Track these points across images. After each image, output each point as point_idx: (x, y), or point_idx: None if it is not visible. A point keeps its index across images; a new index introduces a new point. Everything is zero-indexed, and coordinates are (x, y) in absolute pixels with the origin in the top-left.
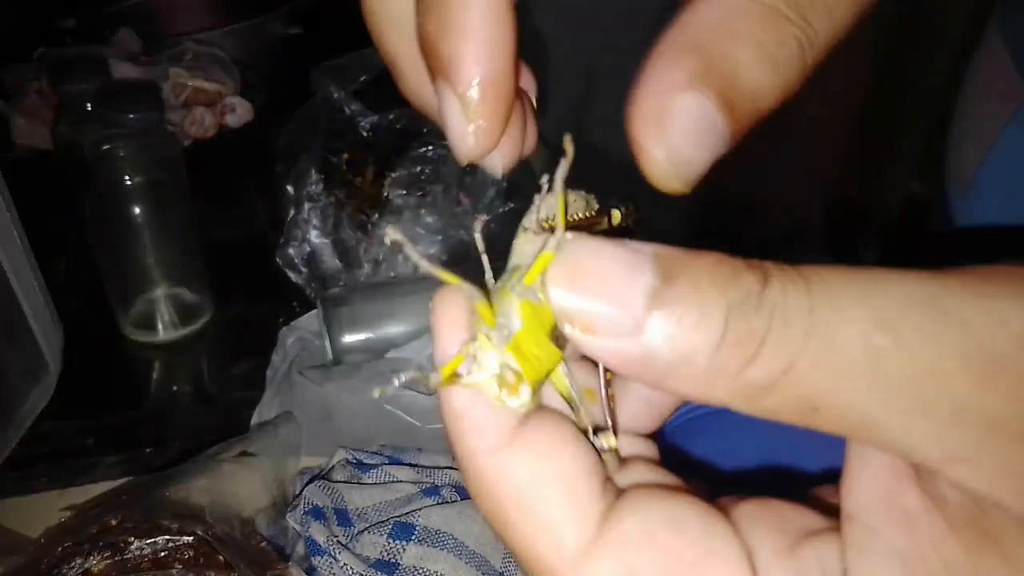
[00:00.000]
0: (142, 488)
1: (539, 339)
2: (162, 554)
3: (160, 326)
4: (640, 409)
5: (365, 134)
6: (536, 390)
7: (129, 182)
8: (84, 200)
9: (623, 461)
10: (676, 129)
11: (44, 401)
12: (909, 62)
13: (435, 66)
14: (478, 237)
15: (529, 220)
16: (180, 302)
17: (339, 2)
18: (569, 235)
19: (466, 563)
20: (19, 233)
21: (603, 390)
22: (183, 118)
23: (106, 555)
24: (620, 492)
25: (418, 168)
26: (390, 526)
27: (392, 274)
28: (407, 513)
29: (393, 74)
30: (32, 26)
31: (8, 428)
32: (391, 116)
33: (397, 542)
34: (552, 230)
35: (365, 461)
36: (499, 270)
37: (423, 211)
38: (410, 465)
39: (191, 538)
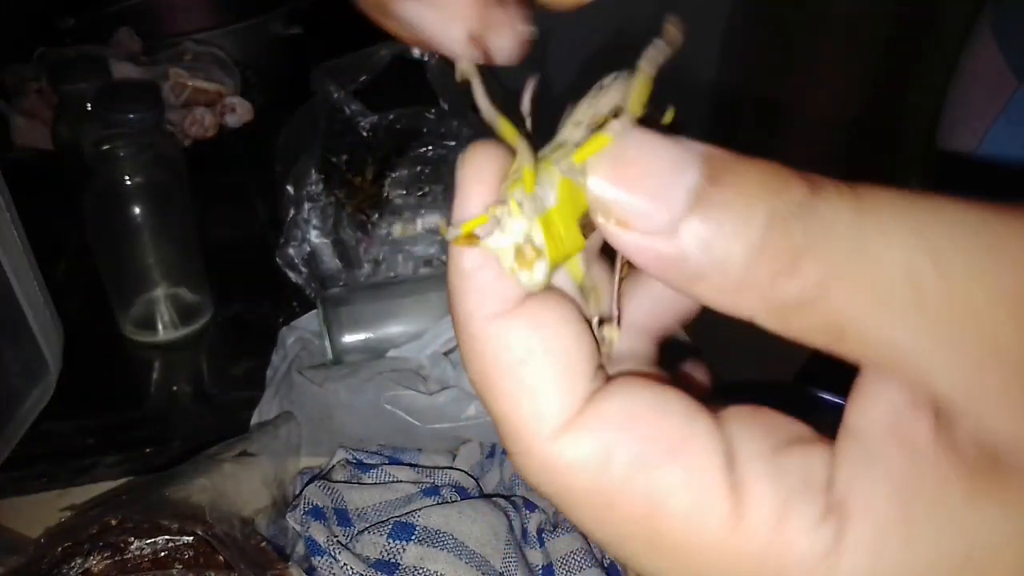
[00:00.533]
0: (142, 488)
1: (569, 221)
2: (162, 554)
3: (160, 326)
4: (650, 310)
5: (365, 134)
6: (551, 271)
7: (129, 182)
8: (84, 200)
9: (621, 358)
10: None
11: (44, 401)
12: (909, 62)
13: None
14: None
15: (592, 104)
16: (180, 302)
17: (339, 2)
18: (628, 124)
19: (466, 563)
20: (19, 233)
21: (616, 284)
22: (183, 118)
23: (106, 555)
24: (610, 381)
25: (418, 168)
26: (390, 526)
27: (392, 274)
28: (407, 513)
29: None
30: (32, 26)
31: (8, 428)
32: (391, 116)
33: (397, 542)
34: (616, 114)
35: (365, 461)
36: None
37: (423, 211)
38: (410, 465)
39: (191, 538)
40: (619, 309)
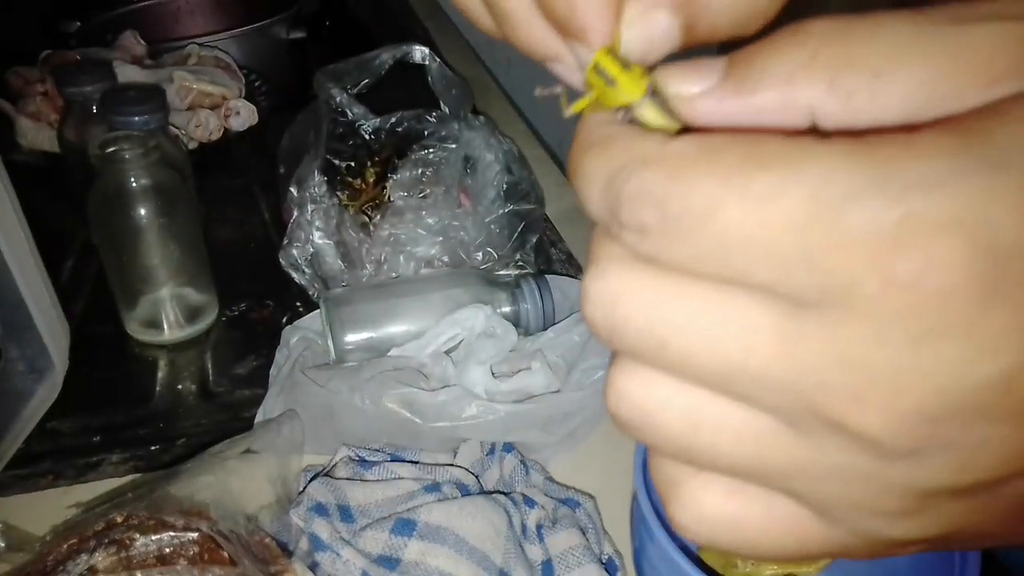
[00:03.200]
0: (147, 485)
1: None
2: (167, 550)
3: (165, 326)
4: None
5: (367, 137)
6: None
7: (134, 184)
8: (89, 201)
9: None
10: (643, 30)
11: (50, 400)
12: None
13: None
14: None
15: None
16: (185, 302)
17: (342, 7)
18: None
19: (467, 559)
20: (25, 234)
21: None
22: (188, 121)
23: (111, 552)
24: None
25: (419, 170)
26: (392, 522)
27: (394, 274)
28: (409, 509)
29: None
30: (37, 29)
31: (14, 426)
32: (393, 119)
33: (399, 538)
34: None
35: (367, 458)
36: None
37: (424, 212)
38: (412, 462)
39: (196, 534)
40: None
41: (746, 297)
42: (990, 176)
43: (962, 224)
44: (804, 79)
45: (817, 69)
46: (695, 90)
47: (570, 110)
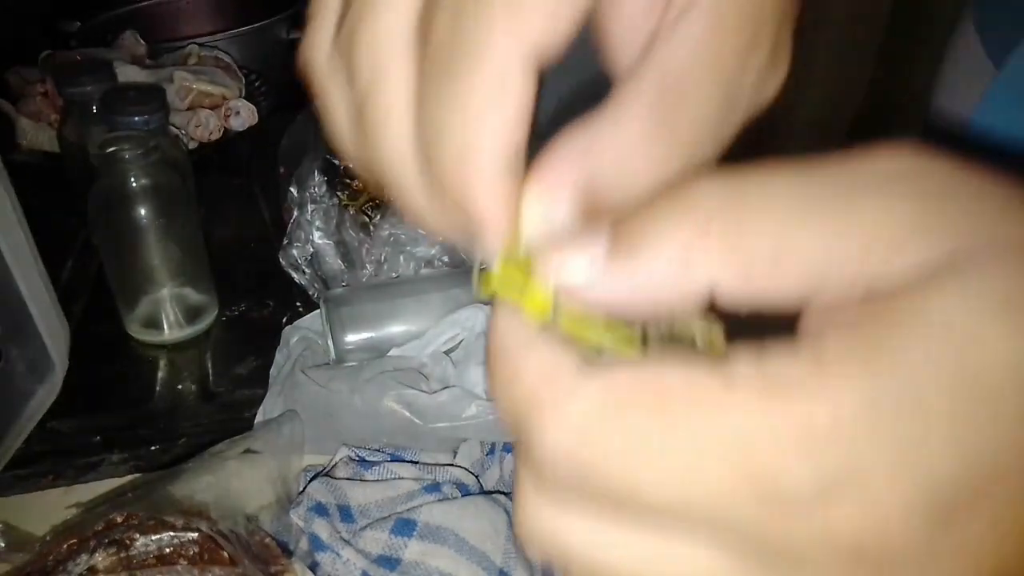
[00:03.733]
0: (147, 485)
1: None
2: (167, 550)
3: (165, 326)
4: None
5: None
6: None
7: (134, 184)
8: (89, 201)
9: None
10: (539, 212)
11: (50, 400)
12: (907, 61)
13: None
14: None
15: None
16: (185, 302)
17: None
18: None
19: (467, 559)
20: (26, 234)
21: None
22: (188, 121)
23: (111, 552)
24: None
25: None
26: (392, 522)
27: (394, 274)
28: (409, 509)
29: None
30: (37, 29)
31: (15, 426)
32: None
33: (399, 538)
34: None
35: (367, 458)
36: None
37: None
38: (412, 462)
39: (196, 534)
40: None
41: (687, 545)
42: (912, 421)
43: (900, 470)
44: (700, 251)
45: (713, 239)
46: (580, 278)
47: (480, 293)
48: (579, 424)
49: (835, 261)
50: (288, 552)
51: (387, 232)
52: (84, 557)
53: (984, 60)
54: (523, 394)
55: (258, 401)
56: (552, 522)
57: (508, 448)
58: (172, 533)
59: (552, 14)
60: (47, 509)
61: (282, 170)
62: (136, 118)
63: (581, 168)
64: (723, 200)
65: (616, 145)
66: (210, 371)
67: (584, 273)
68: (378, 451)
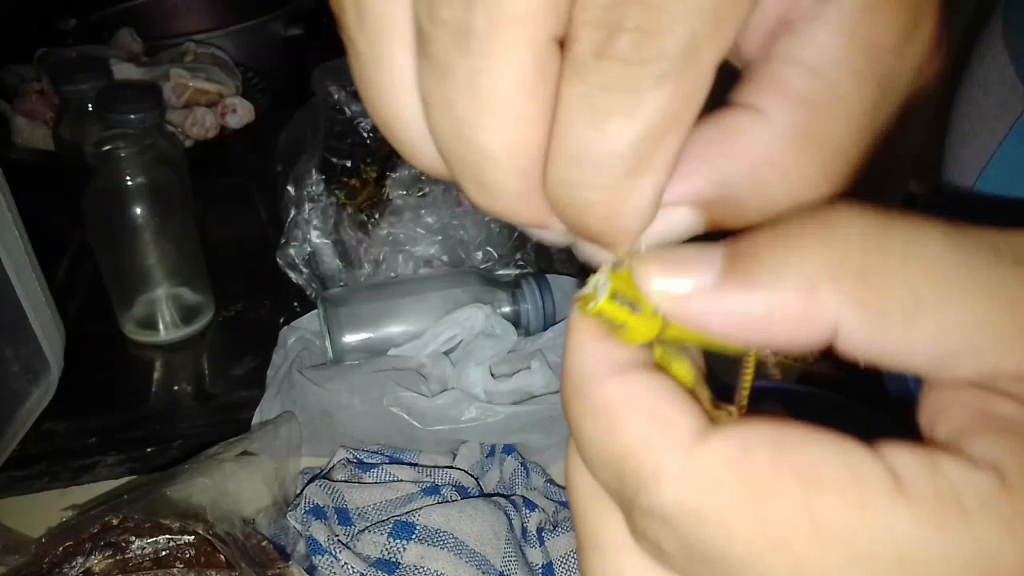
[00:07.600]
0: (143, 487)
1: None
2: (163, 553)
3: (161, 326)
4: None
5: (365, 135)
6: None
7: (130, 182)
8: (85, 200)
9: None
10: (661, 225)
11: (45, 401)
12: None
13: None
14: None
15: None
16: (181, 302)
17: None
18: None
19: (466, 562)
20: (20, 233)
21: (744, 377)
22: (184, 119)
23: (107, 554)
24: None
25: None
26: (391, 525)
27: (392, 274)
28: (407, 512)
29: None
30: (33, 27)
31: (9, 427)
32: None
33: (398, 541)
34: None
35: (365, 460)
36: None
37: (423, 211)
38: (410, 464)
39: (192, 537)
40: (745, 402)
41: None
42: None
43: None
44: (830, 288)
45: (848, 275)
46: (688, 288)
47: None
48: (705, 488)
49: (979, 340)
50: (285, 555)
51: (386, 231)
52: (80, 560)
53: (1018, 87)
54: (631, 439)
55: (255, 402)
56: (638, 573)
57: (508, 450)
58: (168, 536)
59: None
60: (42, 511)
61: (279, 168)
62: (132, 116)
63: (711, 173)
64: (866, 235)
65: (753, 152)
66: (206, 372)
67: (696, 291)
68: (376, 453)
